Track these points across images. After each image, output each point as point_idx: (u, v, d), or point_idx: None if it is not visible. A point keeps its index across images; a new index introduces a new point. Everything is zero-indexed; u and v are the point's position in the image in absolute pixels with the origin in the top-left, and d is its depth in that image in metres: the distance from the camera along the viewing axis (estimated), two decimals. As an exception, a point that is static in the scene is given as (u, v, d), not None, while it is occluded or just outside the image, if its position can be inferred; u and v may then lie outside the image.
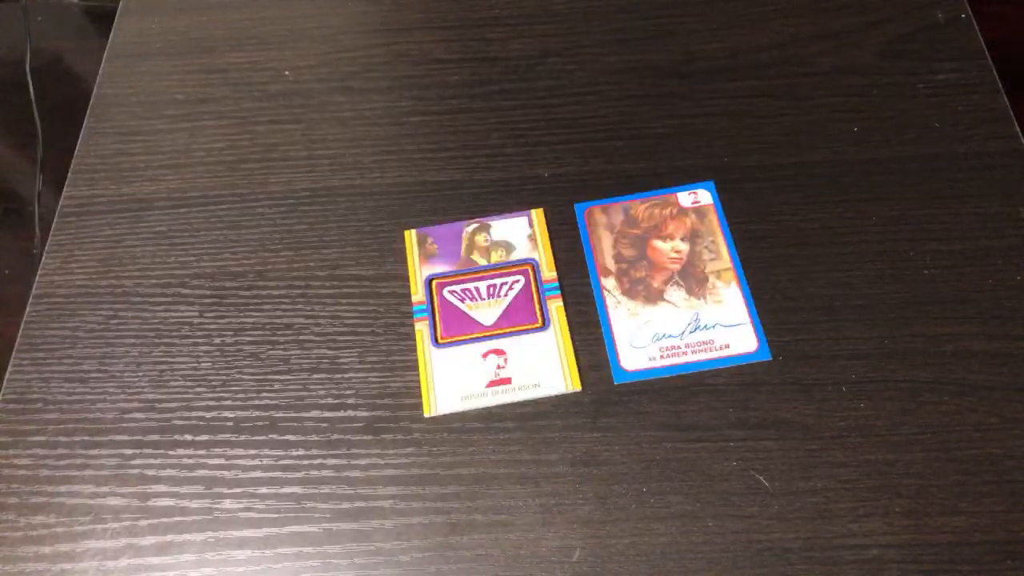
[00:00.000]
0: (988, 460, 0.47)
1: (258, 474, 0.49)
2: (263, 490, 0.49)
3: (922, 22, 0.63)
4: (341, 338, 0.53)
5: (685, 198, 0.57)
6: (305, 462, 0.50)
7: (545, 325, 0.53)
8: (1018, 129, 0.58)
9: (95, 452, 0.51)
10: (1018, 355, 0.50)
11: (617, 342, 0.52)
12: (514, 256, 0.55)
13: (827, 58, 0.62)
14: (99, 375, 0.53)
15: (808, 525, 0.46)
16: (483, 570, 0.46)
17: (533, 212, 0.57)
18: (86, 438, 0.51)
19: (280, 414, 0.51)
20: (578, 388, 0.51)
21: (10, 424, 0.52)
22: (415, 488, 0.48)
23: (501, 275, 0.55)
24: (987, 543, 0.45)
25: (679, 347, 0.51)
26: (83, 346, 0.54)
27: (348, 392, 0.51)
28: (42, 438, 0.51)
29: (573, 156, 0.59)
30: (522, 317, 0.53)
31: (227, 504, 0.49)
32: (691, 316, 0.52)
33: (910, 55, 0.61)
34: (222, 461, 0.50)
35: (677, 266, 0.54)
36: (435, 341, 0.53)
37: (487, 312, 0.54)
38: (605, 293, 0.54)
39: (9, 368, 0.54)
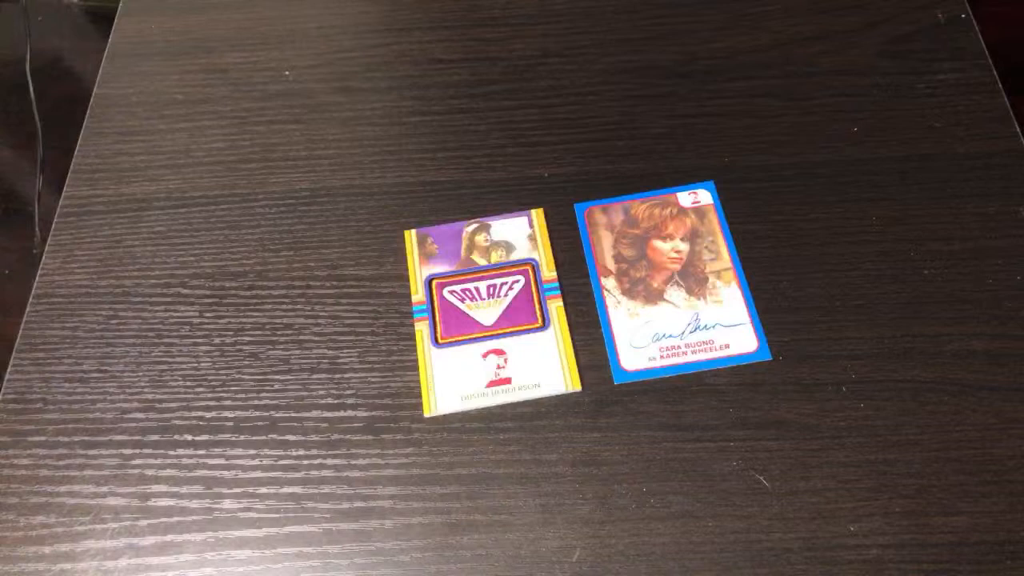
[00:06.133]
0: (988, 460, 0.47)
1: (258, 474, 0.49)
2: (263, 490, 0.49)
3: (922, 22, 0.63)
4: (341, 338, 0.53)
5: (685, 198, 0.57)
6: (305, 462, 0.50)
7: (545, 325, 0.53)
8: (1018, 129, 0.58)
9: (95, 452, 0.51)
10: (1018, 355, 0.50)
11: (617, 342, 0.52)
12: (514, 256, 0.55)
13: (827, 58, 0.62)
14: (99, 375, 0.53)
15: (808, 525, 0.46)
16: (483, 570, 0.46)
17: (533, 212, 0.57)
18: (86, 438, 0.51)
19: (280, 414, 0.51)
20: (578, 388, 0.51)
21: (10, 424, 0.52)
22: (415, 488, 0.48)
23: (501, 275, 0.55)
24: (987, 543, 0.45)
25: (679, 347, 0.51)
26: (83, 346, 0.54)
27: (348, 392, 0.51)
28: (42, 438, 0.51)
29: (573, 156, 0.59)
30: (522, 317, 0.53)
31: (227, 504, 0.49)
32: (691, 316, 0.52)
33: (910, 55, 0.61)
34: (222, 461, 0.50)
35: (677, 266, 0.54)
36: (435, 341, 0.53)
37: (487, 312, 0.54)
38: (605, 293, 0.54)
39: (9, 368, 0.54)
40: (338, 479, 0.49)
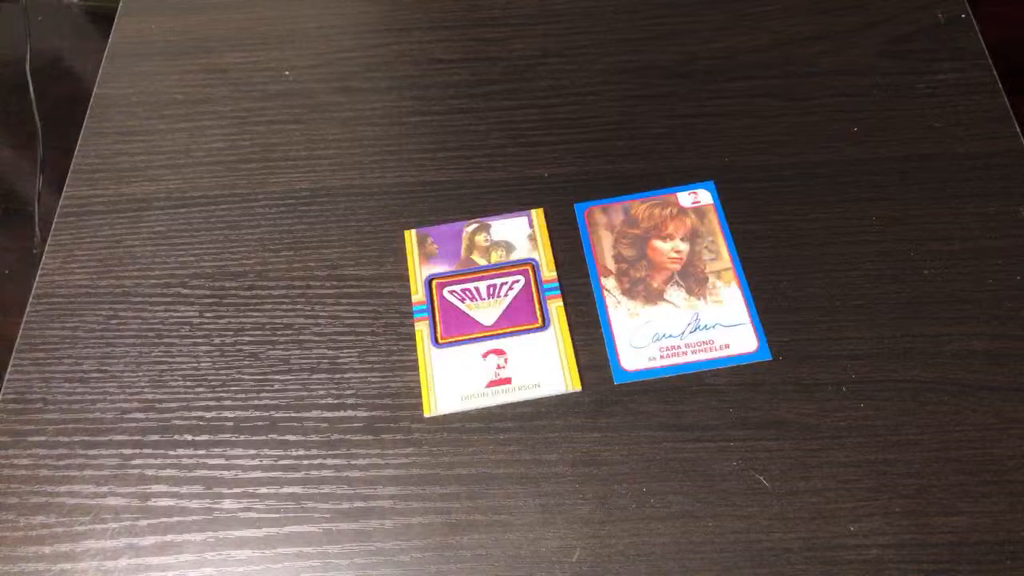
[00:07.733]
0: (988, 460, 0.47)
1: (258, 474, 0.49)
2: (263, 490, 0.49)
3: (922, 22, 0.63)
4: (341, 338, 0.53)
5: (685, 198, 0.57)
6: (305, 462, 0.50)
7: (545, 325, 0.53)
8: (1018, 129, 0.58)
9: (95, 452, 0.51)
10: (1018, 355, 0.50)
11: (617, 342, 0.52)
12: (514, 256, 0.55)
13: (827, 58, 0.62)
14: (99, 375, 0.53)
15: (808, 525, 0.46)
16: (483, 570, 0.46)
17: (533, 212, 0.57)
18: (86, 438, 0.51)
19: (280, 414, 0.51)
20: (578, 388, 0.51)
21: (10, 424, 0.52)
22: (415, 488, 0.48)
23: (501, 275, 0.55)
24: (987, 543, 0.45)
25: (679, 347, 0.51)
26: (83, 346, 0.54)
27: (348, 392, 0.51)
28: (42, 438, 0.51)
29: (573, 156, 0.59)
30: (522, 317, 0.53)
31: (227, 504, 0.49)
32: (691, 316, 0.52)
33: (910, 55, 0.61)
34: (222, 461, 0.50)
35: (677, 266, 0.54)
36: (435, 341, 0.53)
37: (487, 312, 0.54)
38: (605, 293, 0.54)
39: (9, 368, 0.54)
40: (338, 479, 0.49)
